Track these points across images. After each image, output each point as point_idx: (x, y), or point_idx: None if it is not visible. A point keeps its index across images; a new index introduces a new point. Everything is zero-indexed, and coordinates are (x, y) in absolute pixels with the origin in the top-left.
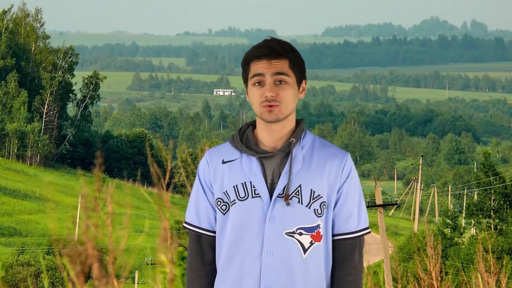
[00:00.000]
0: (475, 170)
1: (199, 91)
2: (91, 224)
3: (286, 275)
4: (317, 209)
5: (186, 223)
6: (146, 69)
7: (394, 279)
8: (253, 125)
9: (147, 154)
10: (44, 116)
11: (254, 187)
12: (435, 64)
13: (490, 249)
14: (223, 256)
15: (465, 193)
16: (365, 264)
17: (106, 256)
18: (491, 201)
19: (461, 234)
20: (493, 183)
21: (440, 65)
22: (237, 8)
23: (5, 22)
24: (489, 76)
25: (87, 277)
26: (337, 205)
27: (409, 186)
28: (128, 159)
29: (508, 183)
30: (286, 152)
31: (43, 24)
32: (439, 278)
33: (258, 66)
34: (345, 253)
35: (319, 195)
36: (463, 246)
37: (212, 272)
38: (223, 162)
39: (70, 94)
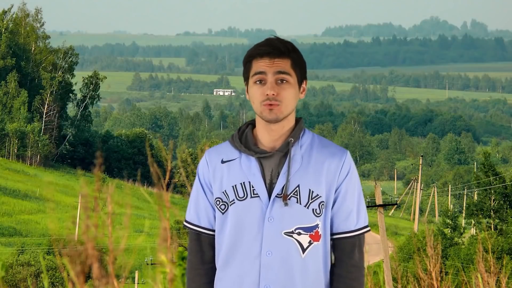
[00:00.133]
0: (475, 170)
1: (199, 91)
2: (91, 224)
3: (285, 275)
4: (316, 209)
5: (186, 221)
6: (146, 69)
7: (394, 279)
8: (252, 124)
9: (147, 154)
10: (44, 116)
11: (253, 187)
12: (435, 64)
13: (490, 249)
14: (222, 256)
15: (465, 193)
16: (365, 264)
17: (106, 256)
18: (491, 201)
19: (461, 234)
20: (493, 183)
21: (440, 65)
22: (237, 8)
23: (5, 22)
24: (489, 76)
25: (87, 277)
26: (335, 203)
27: (409, 186)
28: (128, 159)
29: (508, 183)
30: (284, 152)
31: (43, 24)
32: (439, 278)
33: (260, 64)
34: (345, 251)
35: (317, 195)
36: (463, 246)
37: (212, 271)
38: (222, 162)
39: (70, 94)
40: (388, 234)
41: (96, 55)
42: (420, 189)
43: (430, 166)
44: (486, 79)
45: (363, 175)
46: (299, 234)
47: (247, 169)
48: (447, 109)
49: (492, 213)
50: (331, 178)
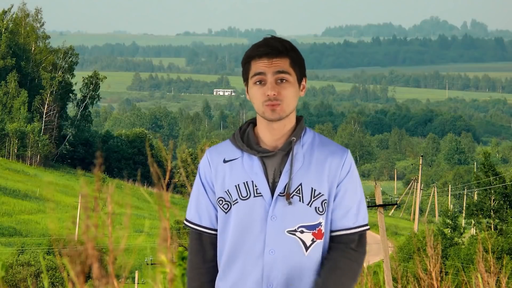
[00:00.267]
0: (475, 170)
1: (199, 91)
2: (91, 224)
3: (288, 273)
4: (318, 207)
5: (187, 221)
6: (146, 69)
7: (394, 279)
8: (253, 123)
9: (147, 154)
10: (44, 116)
11: (256, 186)
12: (435, 64)
13: (490, 249)
14: (225, 255)
15: (465, 193)
16: (365, 264)
17: (106, 256)
18: (491, 201)
19: (461, 234)
20: (493, 183)
21: (440, 65)
22: (237, 8)
23: (5, 22)
24: (489, 76)
25: (87, 277)
26: (335, 201)
27: (409, 186)
28: (128, 159)
29: (508, 183)
30: (286, 151)
31: (43, 24)
32: (439, 278)
33: (259, 65)
34: (341, 244)
35: (320, 193)
36: (463, 246)
37: (213, 270)
38: (225, 161)
39: (70, 94)
40: (388, 234)
41: (96, 55)
42: (420, 189)
43: (430, 166)
44: (486, 79)
45: (363, 175)
46: (302, 232)
47: (250, 168)
48: (447, 109)
49: (492, 213)
50: (333, 176)
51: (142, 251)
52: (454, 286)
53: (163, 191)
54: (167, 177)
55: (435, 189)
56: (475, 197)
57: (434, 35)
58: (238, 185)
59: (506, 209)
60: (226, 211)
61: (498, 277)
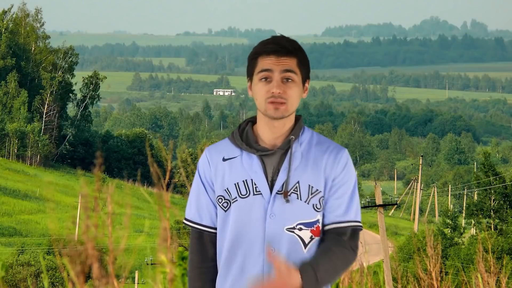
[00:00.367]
0: (475, 170)
1: (199, 91)
2: (91, 224)
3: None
4: (316, 204)
5: (187, 220)
6: (146, 69)
7: (394, 279)
8: (252, 121)
9: (147, 154)
10: (44, 116)
11: (255, 184)
12: (435, 64)
13: (490, 249)
14: (225, 253)
15: (465, 193)
16: (365, 264)
17: (106, 256)
18: (491, 201)
19: (461, 234)
20: (493, 183)
21: (440, 65)
22: (237, 8)
23: (5, 22)
24: (489, 76)
25: (87, 277)
26: (328, 195)
27: (409, 186)
28: (128, 159)
29: (508, 183)
30: (285, 149)
31: (43, 24)
32: (439, 278)
33: (266, 62)
34: (333, 235)
35: (317, 190)
36: (463, 246)
37: (213, 269)
38: (224, 160)
39: (70, 94)
40: (388, 234)
41: (96, 55)
42: (420, 189)
43: (430, 166)
44: (486, 79)
45: (363, 175)
46: (300, 229)
47: (249, 166)
48: (447, 109)
49: (492, 213)
50: (328, 172)
51: (142, 251)
52: (454, 286)
53: (163, 191)
54: (167, 177)
55: (435, 189)
56: (475, 197)
57: (434, 35)
58: (238, 183)
59: (506, 209)
60: (225, 209)
61: (498, 277)
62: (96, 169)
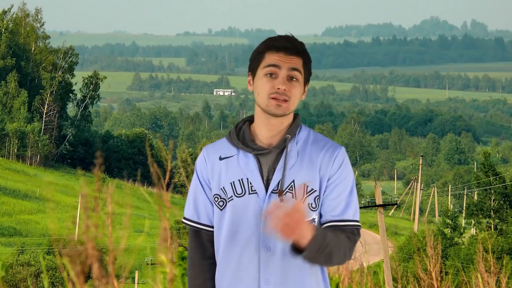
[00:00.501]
0: (475, 170)
1: (199, 91)
2: (91, 224)
3: (284, 269)
4: (311, 203)
5: (185, 218)
6: (146, 69)
7: (394, 279)
8: (249, 120)
9: (147, 154)
10: (44, 116)
11: (251, 183)
12: (435, 64)
13: (490, 249)
14: (221, 252)
15: (465, 193)
16: (365, 264)
17: (106, 256)
18: (491, 201)
19: (461, 234)
20: (493, 183)
21: (440, 65)
22: (237, 8)
23: (5, 22)
24: (489, 76)
25: (87, 277)
26: (324, 194)
27: (409, 186)
28: (128, 159)
29: (508, 183)
30: (281, 148)
31: (43, 24)
32: (439, 278)
33: (274, 58)
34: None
35: (312, 189)
36: (463, 246)
37: (213, 266)
38: (220, 159)
39: (70, 94)
40: (388, 234)
41: (96, 55)
42: (420, 189)
43: (430, 166)
44: (486, 79)
45: (363, 175)
46: None
47: (245, 166)
48: (447, 109)
49: (492, 213)
50: (324, 171)
51: (142, 251)
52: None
53: (163, 191)
54: (167, 177)
55: (435, 189)
56: (475, 197)
57: (434, 35)
58: (233, 182)
59: (506, 209)
60: (221, 208)
61: (498, 277)
62: (96, 169)
